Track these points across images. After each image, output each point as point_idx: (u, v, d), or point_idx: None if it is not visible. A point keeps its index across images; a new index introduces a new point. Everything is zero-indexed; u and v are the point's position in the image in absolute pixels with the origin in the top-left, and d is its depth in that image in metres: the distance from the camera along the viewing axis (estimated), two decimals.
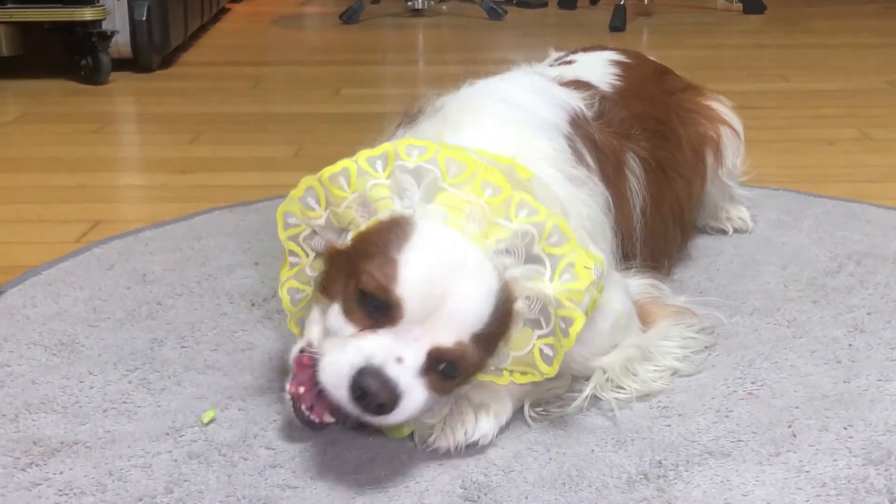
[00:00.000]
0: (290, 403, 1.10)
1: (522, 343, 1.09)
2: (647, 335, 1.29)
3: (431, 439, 1.13)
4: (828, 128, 2.59)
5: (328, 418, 1.09)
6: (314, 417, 1.09)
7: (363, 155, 1.10)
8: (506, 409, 1.17)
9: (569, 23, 4.65)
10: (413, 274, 1.02)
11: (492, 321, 1.04)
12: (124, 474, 1.09)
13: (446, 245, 1.05)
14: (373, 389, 1.01)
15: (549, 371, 1.09)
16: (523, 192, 1.08)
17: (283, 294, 1.17)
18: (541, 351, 1.08)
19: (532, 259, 1.07)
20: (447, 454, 1.12)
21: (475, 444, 1.13)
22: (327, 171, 1.09)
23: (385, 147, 1.10)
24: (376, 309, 1.04)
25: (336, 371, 1.03)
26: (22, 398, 1.24)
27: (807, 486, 1.06)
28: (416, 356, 1.03)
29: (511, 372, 1.12)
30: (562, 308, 1.06)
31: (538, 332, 1.08)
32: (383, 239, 1.05)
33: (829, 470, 1.09)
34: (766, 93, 3.02)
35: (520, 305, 1.07)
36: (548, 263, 1.07)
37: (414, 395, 1.03)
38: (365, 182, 1.08)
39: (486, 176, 1.07)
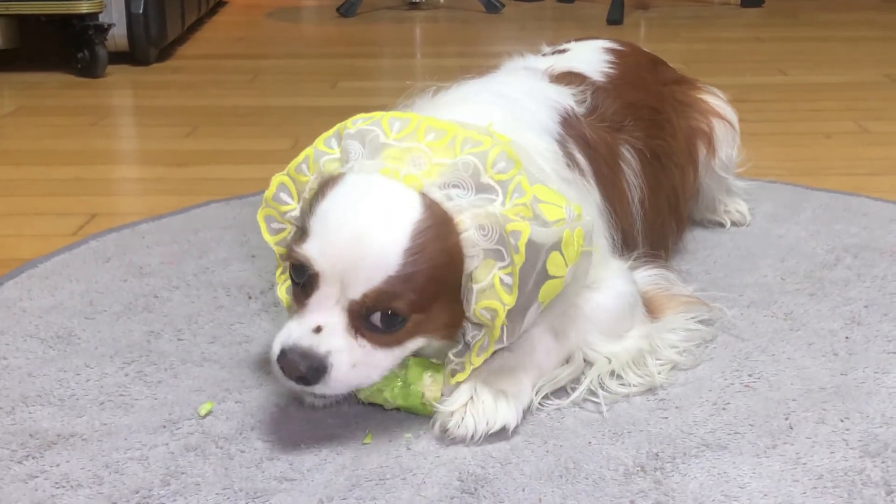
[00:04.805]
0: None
1: (484, 275, 1.06)
2: (654, 326, 1.28)
3: (451, 426, 1.12)
4: (826, 121, 2.59)
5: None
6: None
7: (320, 139, 1.14)
8: (525, 394, 1.16)
9: (566, 16, 4.65)
10: (317, 236, 1.05)
11: (416, 257, 1.03)
12: (121, 467, 1.09)
13: (357, 192, 1.06)
14: (292, 365, 1.04)
15: (510, 300, 1.06)
16: (472, 131, 1.08)
17: (282, 294, 1.19)
18: (501, 280, 1.06)
19: (483, 189, 1.06)
20: (449, 446, 1.12)
21: (502, 430, 1.12)
22: (292, 164, 1.13)
23: (337, 126, 1.13)
24: (305, 283, 1.06)
25: (272, 356, 1.08)
26: (18, 391, 1.24)
27: (803, 478, 1.06)
28: (337, 318, 1.05)
29: (483, 333, 1.09)
30: (509, 222, 1.05)
31: (499, 264, 1.06)
32: (308, 208, 1.08)
33: (825, 462, 1.09)
34: (763, 86, 3.02)
35: (471, 235, 1.05)
36: (499, 190, 1.06)
37: (341, 356, 1.05)
38: (321, 161, 1.12)
39: (430, 123, 1.08)
